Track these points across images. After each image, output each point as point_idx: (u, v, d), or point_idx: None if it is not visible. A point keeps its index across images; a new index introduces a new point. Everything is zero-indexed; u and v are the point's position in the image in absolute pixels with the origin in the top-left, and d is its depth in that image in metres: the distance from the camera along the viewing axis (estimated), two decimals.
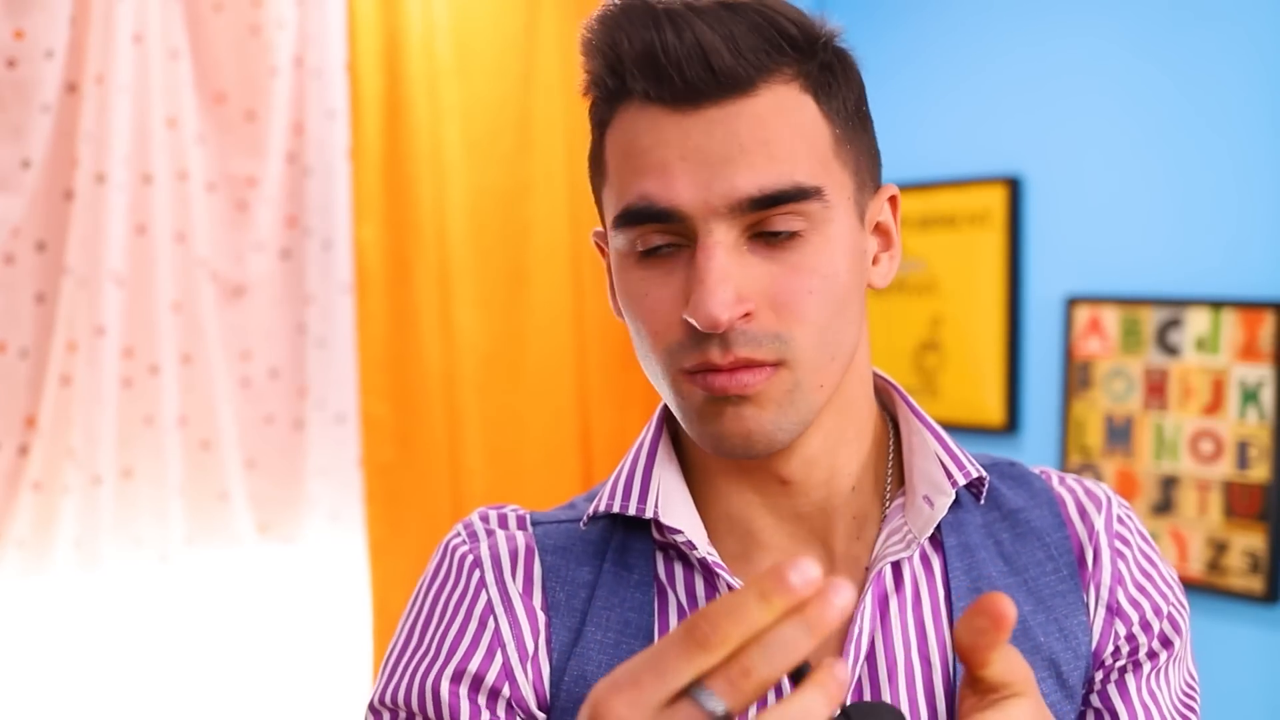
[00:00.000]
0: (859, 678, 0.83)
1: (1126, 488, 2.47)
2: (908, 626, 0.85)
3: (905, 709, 0.83)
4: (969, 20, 2.76)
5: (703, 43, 0.74)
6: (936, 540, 0.88)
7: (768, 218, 0.76)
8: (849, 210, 0.80)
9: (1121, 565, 0.89)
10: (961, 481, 0.86)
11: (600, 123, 0.83)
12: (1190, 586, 2.37)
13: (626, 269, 0.81)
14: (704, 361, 0.77)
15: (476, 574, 0.88)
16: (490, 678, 0.83)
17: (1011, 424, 2.68)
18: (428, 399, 2.35)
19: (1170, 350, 2.39)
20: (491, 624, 0.85)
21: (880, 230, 0.87)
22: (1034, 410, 2.67)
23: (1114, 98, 2.49)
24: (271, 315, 2.25)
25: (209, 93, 2.16)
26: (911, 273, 2.86)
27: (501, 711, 0.83)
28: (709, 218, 0.76)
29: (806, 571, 0.55)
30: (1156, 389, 2.42)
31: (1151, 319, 2.42)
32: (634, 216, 0.78)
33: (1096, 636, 0.88)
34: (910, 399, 0.93)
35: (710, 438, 0.81)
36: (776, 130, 0.76)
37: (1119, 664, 0.88)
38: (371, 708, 0.87)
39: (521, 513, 0.94)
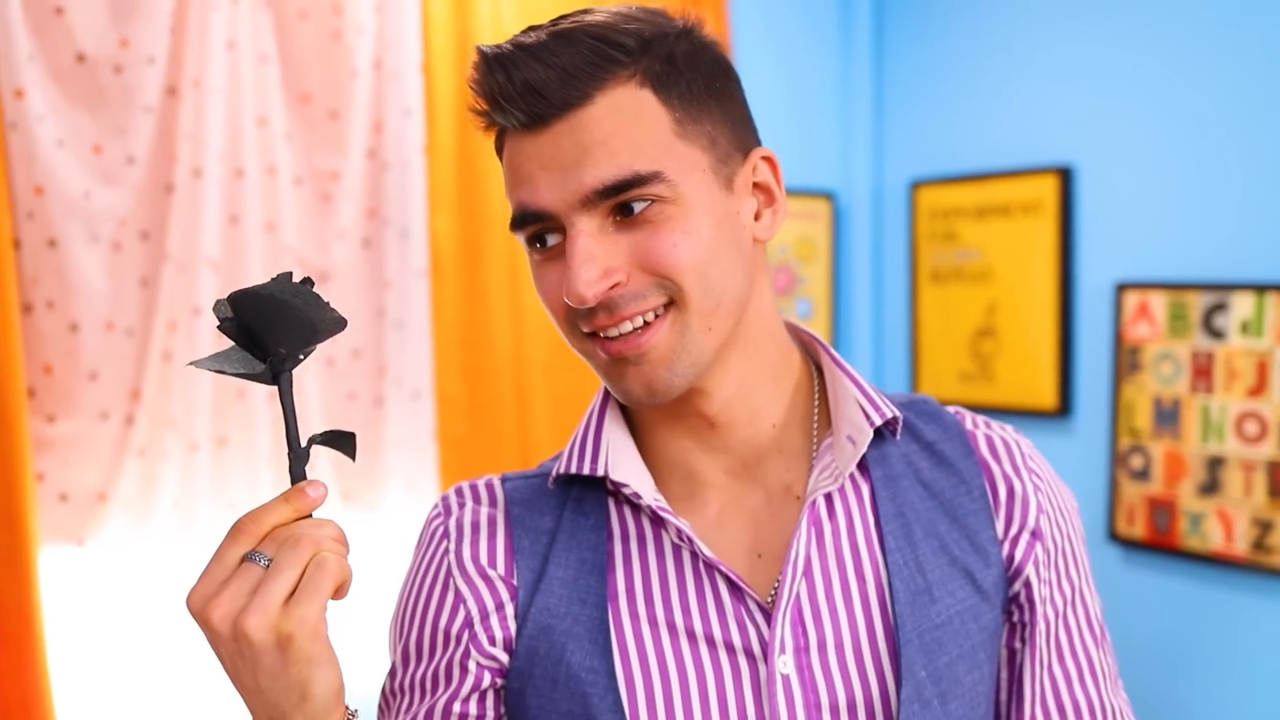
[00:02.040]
0: (798, 593, 0.95)
1: (1174, 469, 2.52)
2: (842, 549, 0.97)
3: (844, 622, 0.95)
4: (1019, 18, 2.83)
5: (530, 80, 0.88)
6: (866, 472, 1.00)
7: (621, 201, 0.88)
8: (705, 179, 0.91)
9: (1040, 498, 1.02)
10: (878, 421, 0.98)
11: (498, 151, 0.97)
12: (1235, 566, 2.42)
13: (530, 263, 0.95)
14: (596, 326, 0.91)
15: (444, 545, 1.03)
16: (455, 630, 0.98)
17: (1064, 408, 2.74)
18: (497, 377, 2.50)
19: (1216, 334, 2.44)
20: (453, 586, 1.00)
21: (761, 189, 0.97)
22: (1086, 394, 2.73)
23: (1160, 89, 2.54)
24: (353, 299, 2.42)
25: (295, 94, 2.34)
26: (968, 261, 2.94)
27: (471, 664, 0.98)
28: (569, 213, 0.89)
29: (317, 489, 0.85)
30: (1203, 372, 2.47)
31: (1198, 304, 2.47)
32: (517, 221, 0.92)
33: (1020, 556, 0.99)
34: (833, 351, 1.04)
35: (621, 393, 0.94)
36: (613, 130, 0.88)
37: (1042, 586, 1.00)
38: (391, 669, 1.03)
39: (494, 479, 1.08)
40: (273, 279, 0.84)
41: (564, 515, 1.01)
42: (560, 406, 2.58)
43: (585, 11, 0.92)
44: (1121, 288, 2.59)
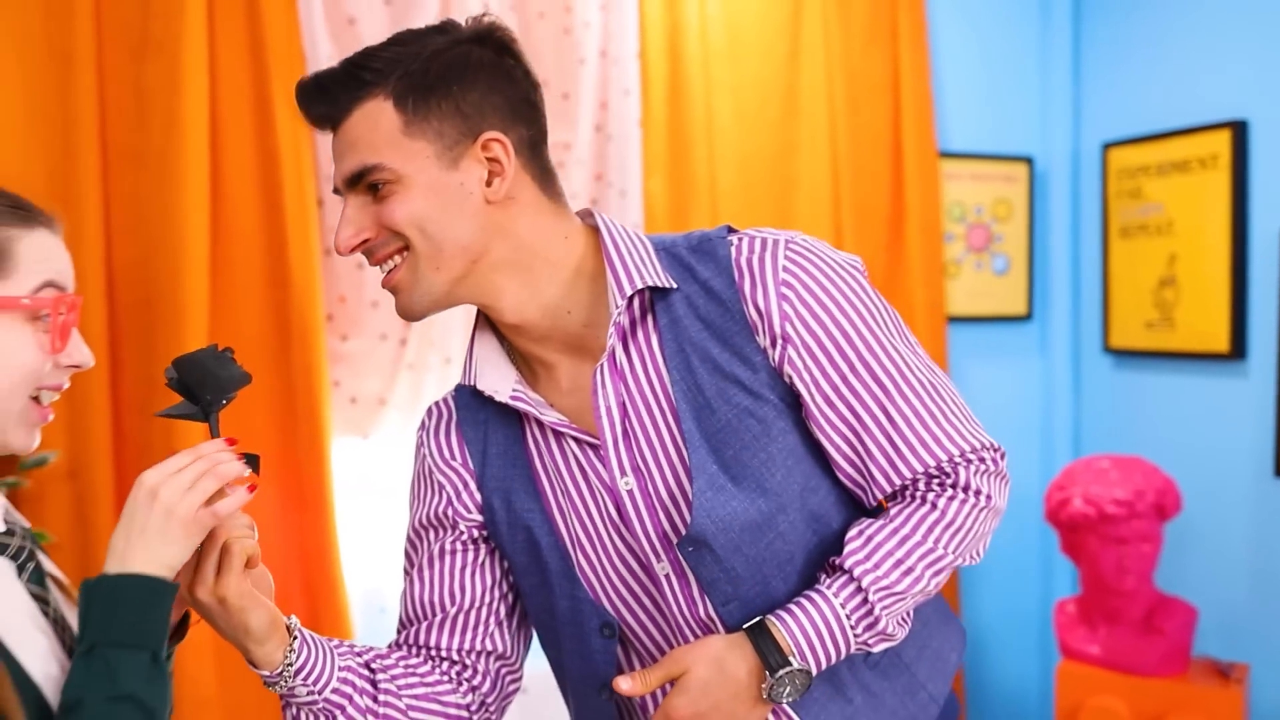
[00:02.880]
0: (618, 431, 1.28)
1: None
2: (642, 387, 1.29)
3: (656, 442, 1.28)
4: None
5: (311, 108, 1.27)
6: (657, 323, 1.29)
7: (368, 182, 1.24)
8: (430, 164, 1.23)
9: (786, 306, 1.24)
10: (629, 291, 1.26)
11: None
12: None
13: None
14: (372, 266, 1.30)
15: (423, 450, 1.43)
16: (442, 508, 1.40)
17: (1238, 351, 2.90)
18: None
19: None
20: (434, 480, 1.40)
21: (493, 162, 1.25)
22: (1258, 338, 2.88)
23: None
24: None
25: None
26: (1151, 216, 3.13)
27: (462, 526, 1.38)
28: (343, 189, 1.28)
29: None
30: None
31: None
32: (335, 190, 1.30)
33: (777, 360, 1.26)
34: (611, 240, 1.30)
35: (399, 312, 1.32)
36: (358, 134, 1.24)
37: (805, 375, 1.26)
38: (407, 531, 1.45)
39: (449, 393, 1.44)
40: (202, 349, 1.21)
41: (489, 409, 1.39)
42: None
43: (390, 40, 1.28)
44: None
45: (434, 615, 1.39)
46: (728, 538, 1.25)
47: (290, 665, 1.26)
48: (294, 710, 1.30)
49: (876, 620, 1.23)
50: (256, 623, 1.22)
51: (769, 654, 1.21)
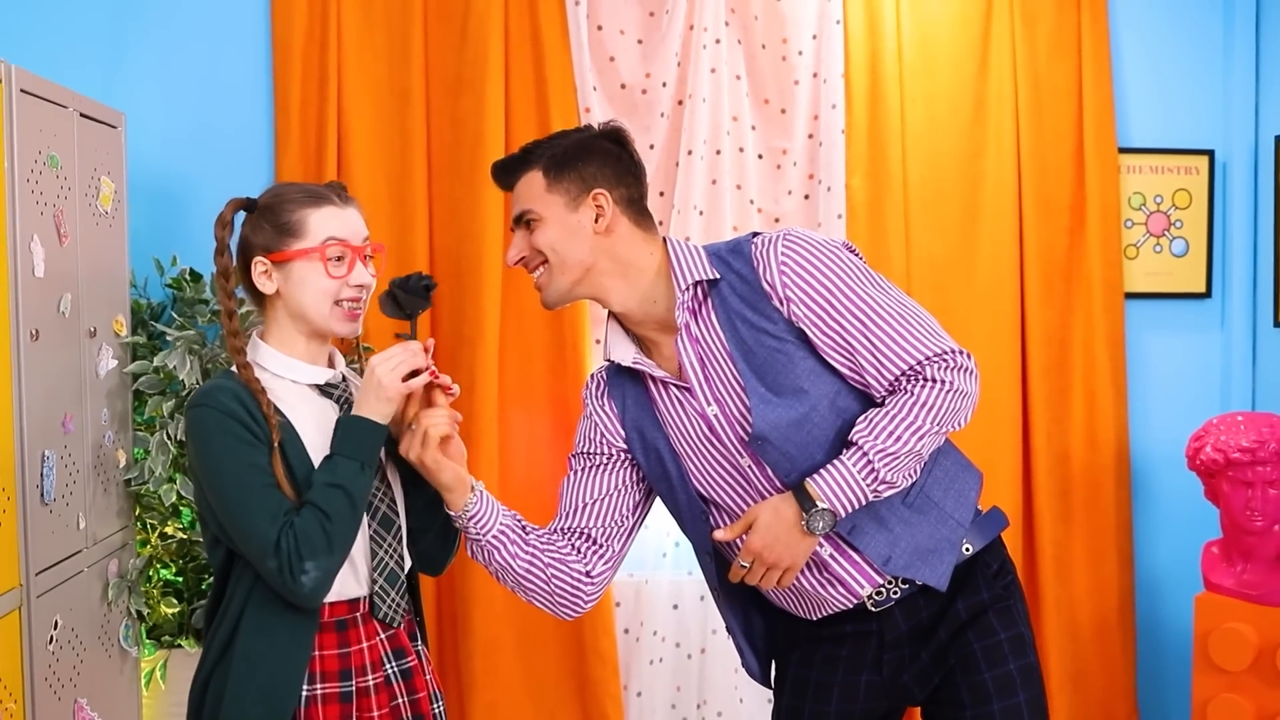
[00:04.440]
0: (697, 376, 1.90)
1: None
2: (707, 342, 1.90)
3: (721, 380, 1.91)
4: None
5: (498, 178, 1.97)
6: (713, 305, 1.89)
7: (523, 221, 1.91)
8: (561, 209, 1.88)
9: (786, 278, 1.85)
10: (686, 283, 1.88)
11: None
12: None
13: None
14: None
15: (587, 397, 2.05)
16: (597, 439, 2.02)
17: None
18: None
19: None
20: (594, 417, 2.02)
21: (599, 208, 1.88)
22: None
23: None
24: None
25: (758, 99, 3.53)
26: None
27: (611, 451, 2.00)
28: (513, 227, 1.95)
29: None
30: None
31: None
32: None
33: (788, 312, 1.85)
34: (673, 250, 1.92)
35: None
36: (520, 192, 1.92)
37: (811, 317, 1.84)
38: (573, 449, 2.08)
39: (603, 365, 2.06)
40: (409, 275, 1.85)
41: (625, 376, 2.00)
42: (945, 322, 3.55)
43: (552, 135, 1.99)
44: None
45: (579, 504, 2.01)
46: (779, 433, 1.86)
47: (466, 511, 1.87)
48: (469, 546, 1.93)
49: (877, 473, 1.79)
50: (445, 479, 1.85)
51: (803, 500, 1.81)
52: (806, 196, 3.57)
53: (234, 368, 1.83)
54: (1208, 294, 3.83)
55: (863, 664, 1.98)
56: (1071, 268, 3.68)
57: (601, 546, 2.00)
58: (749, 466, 1.92)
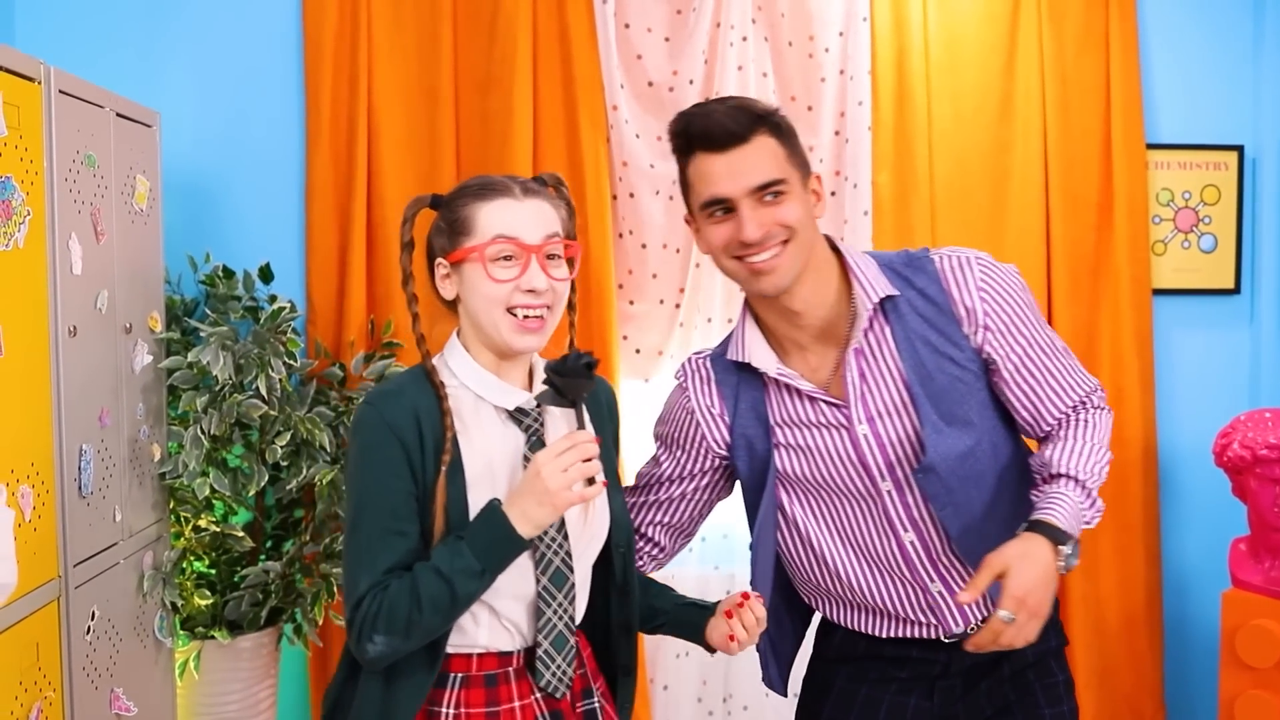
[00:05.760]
0: (859, 393, 1.78)
1: None
2: (876, 359, 1.80)
3: (887, 402, 1.78)
4: None
5: (722, 123, 1.69)
6: (887, 319, 1.77)
7: (766, 192, 1.69)
8: (799, 184, 1.72)
9: (985, 304, 1.77)
10: (875, 299, 1.75)
11: (682, 165, 1.78)
12: None
13: (707, 225, 1.76)
14: (748, 253, 1.71)
15: (687, 395, 1.92)
16: (694, 435, 1.92)
17: None
18: None
19: None
20: (695, 413, 1.91)
21: (815, 192, 1.77)
22: None
23: None
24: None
25: (785, 96, 3.54)
26: None
27: (705, 449, 1.91)
28: (738, 197, 1.69)
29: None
30: None
31: None
32: (707, 204, 1.73)
33: (979, 341, 1.78)
34: (850, 259, 1.78)
35: (759, 291, 1.75)
36: (760, 157, 1.69)
37: (1000, 349, 1.78)
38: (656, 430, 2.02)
39: (696, 359, 1.93)
40: (569, 354, 1.60)
41: (740, 375, 1.88)
42: None
43: (730, 98, 1.78)
44: None
45: (657, 523, 2.00)
46: (947, 464, 1.76)
47: None
48: None
49: (1095, 500, 1.80)
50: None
51: (1056, 536, 1.69)
52: (833, 193, 3.58)
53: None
54: (1236, 290, 3.82)
55: (915, 687, 1.94)
56: (1099, 264, 3.68)
57: (671, 549, 2.06)
58: (889, 492, 1.83)
